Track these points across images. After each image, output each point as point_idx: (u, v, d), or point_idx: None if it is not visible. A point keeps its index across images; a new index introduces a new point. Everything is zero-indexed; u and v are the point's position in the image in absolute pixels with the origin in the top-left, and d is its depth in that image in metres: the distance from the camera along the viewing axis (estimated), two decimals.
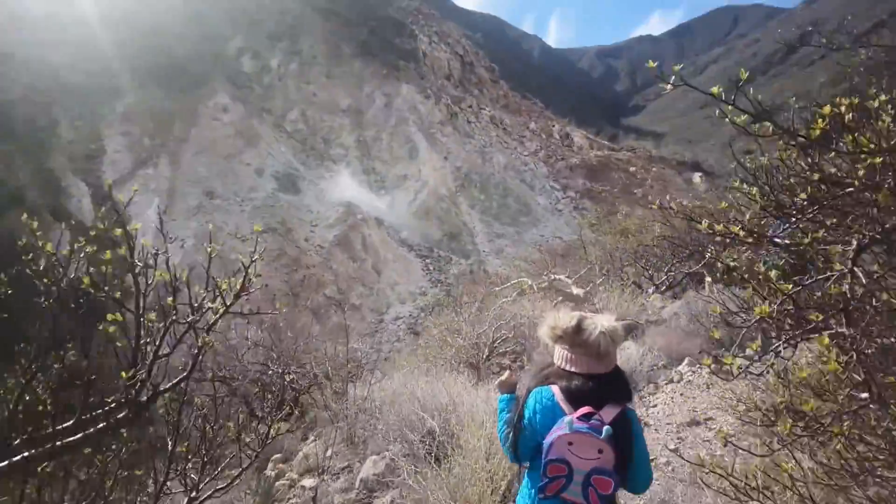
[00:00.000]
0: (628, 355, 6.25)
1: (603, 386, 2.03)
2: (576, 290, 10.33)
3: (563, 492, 1.95)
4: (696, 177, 65.72)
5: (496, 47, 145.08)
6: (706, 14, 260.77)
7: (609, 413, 1.98)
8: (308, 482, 4.86)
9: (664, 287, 10.02)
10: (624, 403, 2.04)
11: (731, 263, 8.15)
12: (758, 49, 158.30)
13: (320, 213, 45.54)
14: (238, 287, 2.46)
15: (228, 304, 2.46)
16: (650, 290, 9.87)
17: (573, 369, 2.07)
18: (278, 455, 6.53)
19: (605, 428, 1.93)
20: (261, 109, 56.81)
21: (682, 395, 5.50)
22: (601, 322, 2.08)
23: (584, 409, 1.97)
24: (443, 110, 67.88)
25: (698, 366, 6.08)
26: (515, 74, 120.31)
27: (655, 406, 5.43)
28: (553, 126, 79.31)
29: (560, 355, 2.14)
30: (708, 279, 10.37)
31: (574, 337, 2.09)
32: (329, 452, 5.39)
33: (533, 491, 2.08)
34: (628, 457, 1.99)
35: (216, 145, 48.08)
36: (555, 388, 2.08)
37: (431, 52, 76.40)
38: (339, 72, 66.46)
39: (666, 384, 5.96)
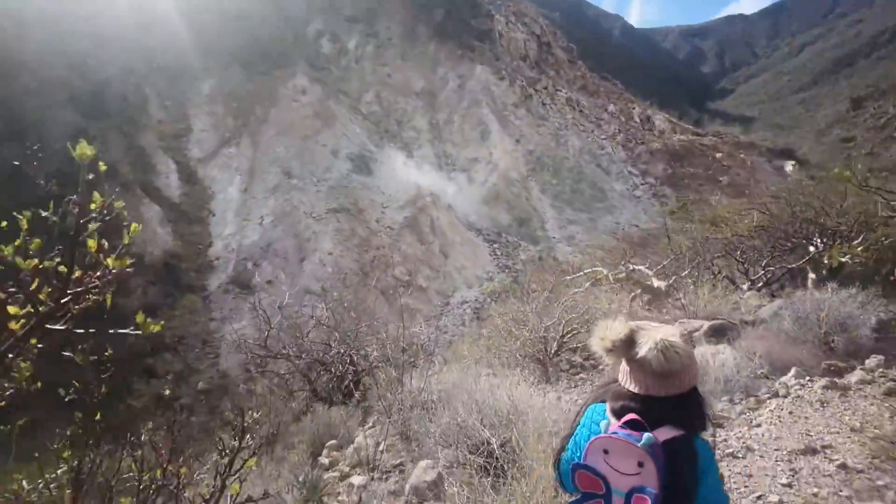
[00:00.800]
0: (723, 360, 5.65)
1: (663, 409, 1.70)
2: (657, 283, 9.68)
3: None
4: (789, 165, 61.59)
5: (575, 27, 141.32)
6: None
7: (664, 433, 1.66)
8: (357, 479, 4.62)
9: (761, 283, 9.23)
10: (689, 430, 1.69)
11: (842, 259, 7.34)
12: (861, 29, 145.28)
13: (391, 195, 45.98)
14: None
15: None
16: (745, 287, 9.13)
17: (632, 388, 1.76)
18: (333, 441, 6.30)
19: (647, 435, 1.62)
20: (337, 91, 57.85)
21: (790, 413, 4.76)
22: (656, 336, 1.72)
23: (630, 416, 1.70)
24: (517, 92, 66.78)
25: (808, 378, 5.41)
26: (594, 55, 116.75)
27: (759, 426, 4.66)
28: (633, 108, 76.40)
29: (621, 370, 1.82)
30: (812, 276, 9.48)
31: (626, 352, 1.76)
32: (382, 446, 5.17)
33: None
34: (686, 494, 1.63)
35: (294, 126, 49.42)
36: (608, 407, 1.82)
37: (507, 32, 75.13)
38: (414, 53, 66.63)
39: (769, 398, 5.23)
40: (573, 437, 1.91)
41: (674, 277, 9.38)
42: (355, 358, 8.63)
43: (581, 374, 7.21)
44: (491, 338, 8.88)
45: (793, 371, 5.54)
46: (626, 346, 1.74)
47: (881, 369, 5.36)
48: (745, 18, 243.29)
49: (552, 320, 7.78)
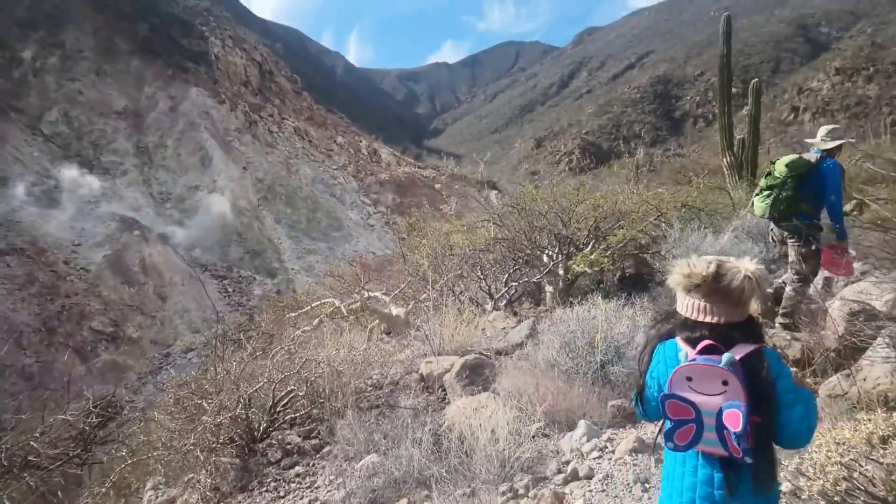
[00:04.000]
0: (493, 423, 3.94)
1: (733, 332, 1.81)
2: (395, 311, 8.48)
3: (697, 442, 1.74)
4: (493, 194, 69.42)
5: (298, 60, 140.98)
6: (492, 47, 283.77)
7: (740, 351, 1.75)
8: None
9: (504, 301, 8.64)
10: (759, 344, 1.81)
11: (580, 268, 6.89)
12: (537, 82, 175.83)
13: (86, 230, 37.87)
14: None
15: None
16: (489, 307, 8.38)
17: (705, 319, 1.84)
18: None
19: (726, 355, 1.72)
20: (7, 108, 46.28)
21: None
22: (745, 266, 1.81)
23: (705, 343, 1.78)
24: (240, 117, 62.47)
25: (606, 438, 4.01)
26: (320, 89, 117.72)
27: None
28: (361, 141, 78.10)
29: (688, 305, 1.89)
30: (549, 289, 9.26)
31: (712, 284, 1.82)
32: None
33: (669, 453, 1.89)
34: (768, 399, 1.73)
35: None
36: (678, 340, 1.91)
37: (225, 56, 70.27)
38: (113, 70, 57.44)
39: (563, 480, 3.60)
40: (649, 373, 2.00)
41: (412, 302, 8.28)
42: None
43: (297, 467, 4.77)
44: (160, 430, 5.63)
45: (581, 427, 4.04)
46: (714, 279, 1.81)
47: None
48: (449, 67, 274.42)
49: (258, 384, 5.30)
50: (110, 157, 49.22)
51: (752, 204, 5.77)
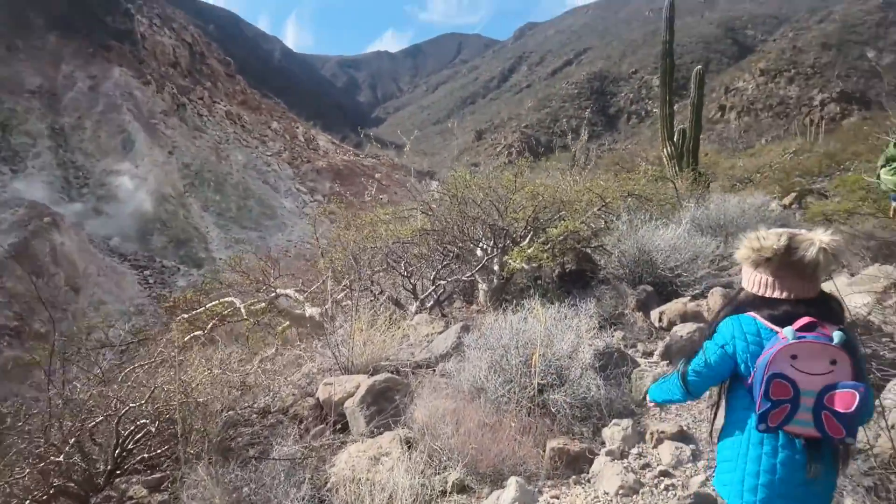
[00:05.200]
0: (392, 486, 2.89)
1: (813, 309, 1.70)
2: (310, 311, 7.21)
3: (787, 423, 1.65)
4: (434, 185, 68.33)
5: (232, 43, 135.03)
6: (435, 38, 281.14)
7: (831, 329, 1.65)
8: None
9: (431, 302, 7.48)
10: (843, 322, 1.73)
11: (516, 264, 5.85)
12: (479, 74, 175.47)
13: None
14: None
15: None
16: (413, 308, 7.17)
17: (777, 295, 1.77)
18: None
19: (837, 333, 1.62)
20: None
21: None
22: (819, 237, 1.70)
23: (805, 320, 1.66)
24: (167, 100, 58.47)
25: (546, 500, 3.03)
26: (255, 73, 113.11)
27: None
28: (297, 128, 75.10)
29: (757, 280, 1.82)
30: (483, 287, 8.17)
31: (784, 258, 1.74)
32: None
33: (749, 426, 1.76)
34: (865, 376, 1.67)
35: None
36: (758, 317, 1.78)
37: (152, 35, 65.73)
38: (27, 46, 52.34)
39: None
40: (726, 352, 1.81)
41: (330, 301, 7.02)
42: None
43: None
44: None
45: (511, 489, 2.90)
46: (786, 252, 1.73)
47: (637, 442, 3.41)
48: (391, 56, 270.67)
49: (98, 418, 3.87)
50: (21, 139, 44.80)
51: (878, 177, 4.83)
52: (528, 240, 7.81)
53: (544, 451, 3.35)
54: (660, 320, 5.27)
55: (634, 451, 3.31)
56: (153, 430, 4.03)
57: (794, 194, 12.57)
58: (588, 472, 3.21)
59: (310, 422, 4.49)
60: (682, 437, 3.33)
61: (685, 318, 5.10)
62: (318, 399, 4.59)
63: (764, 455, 1.72)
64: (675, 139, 13.56)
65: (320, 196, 58.71)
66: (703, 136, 14.13)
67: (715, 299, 5.15)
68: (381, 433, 3.82)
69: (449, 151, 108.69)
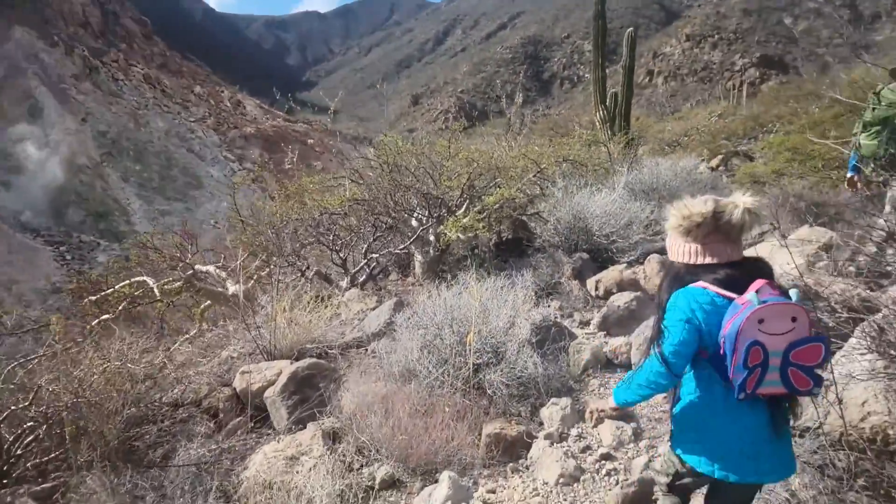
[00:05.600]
0: (310, 492, 2.57)
1: (745, 270, 1.75)
2: (232, 288, 6.67)
3: (758, 387, 1.65)
4: (370, 152, 66.80)
5: (149, 1, 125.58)
6: None
7: (769, 286, 1.69)
8: None
9: (364, 276, 7.08)
10: (773, 279, 1.76)
11: (453, 234, 5.63)
12: (413, 37, 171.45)
13: None
14: None
15: None
16: (344, 284, 6.74)
17: (710, 261, 1.79)
18: None
19: (794, 291, 1.70)
20: None
21: None
22: (742, 200, 1.75)
23: (759, 283, 1.67)
24: (78, 63, 53.83)
25: (482, 494, 2.77)
26: (175, 34, 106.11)
27: None
28: (222, 92, 71.17)
29: (685, 250, 1.83)
30: (419, 258, 7.85)
31: (712, 223, 1.77)
32: None
33: (718, 396, 1.77)
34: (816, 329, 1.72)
35: None
36: (701, 284, 1.78)
37: None
38: None
39: None
40: (693, 325, 1.75)
41: (246, 278, 6.50)
42: None
43: None
44: None
45: (444, 485, 2.67)
46: (714, 217, 1.75)
47: (577, 422, 3.23)
48: (321, 16, 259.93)
49: None
50: None
51: (857, 144, 4.60)
52: (464, 209, 7.53)
53: (480, 437, 3.11)
54: (596, 289, 5.13)
55: (574, 431, 3.13)
56: (41, 433, 3.55)
57: (720, 157, 12.86)
58: (526, 459, 3.01)
59: (226, 415, 4.09)
60: (623, 414, 3.18)
61: (622, 286, 4.97)
62: (234, 390, 4.19)
63: (731, 421, 1.74)
64: (607, 103, 13.50)
65: (249, 164, 56.16)
66: (633, 101, 14.15)
67: (652, 266, 5.05)
68: (302, 428, 3.48)
69: (385, 117, 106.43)
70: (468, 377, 3.52)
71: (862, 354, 2.36)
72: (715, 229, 1.76)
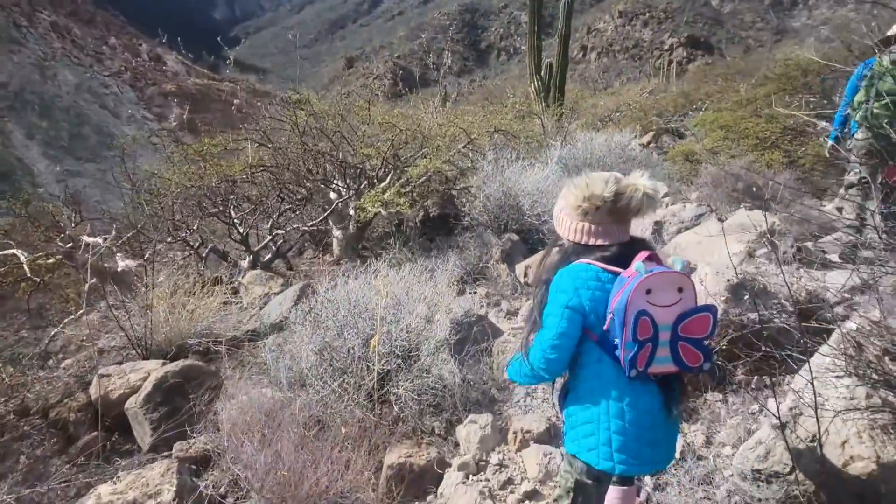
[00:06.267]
0: None
1: (635, 250, 1.65)
2: (123, 263, 5.73)
3: (650, 364, 1.54)
4: (303, 115, 63.94)
5: None
6: None
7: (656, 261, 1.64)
8: None
9: (270, 256, 6.22)
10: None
11: (374, 208, 5.02)
12: None
13: None
14: None
15: None
16: (245, 264, 5.86)
17: (602, 242, 1.69)
18: None
19: (677, 259, 1.61)
20: None
21: None
22: (641, 183, 1.65)
23: (644, 254, 1.59)
24: None
25: None
26: None
27: None
28: (140, 45, 65.68)
29: (581, 229, 1.72)
30: (337, 234, 7.08)
31: (611, 204, 1.67)
32: None
33: (610, 378, 1.62)
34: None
35: None
36: (593, 262, 1.67)
37: None
38: None
39: None
40: (574, 310, 1.63)
41: (149, 251, 5.57)
42: None
43: None
44: None
45: None
46: (613, 199, 1.67)
47: (498, 443, 2.72)
48: None
49: None
50: None
51: (870, 112, 4.26)
52: (388, 181, 6.84)
53: (381, 471, 2.53)
54: (525, 275, 4.63)
55: (494, 458, 2.61)
56: None
57: (651, 133, 12.71)
58: (437, 496, 2.46)
59: (77, 429, 3.32)
60: (551, 435, 2.68)
61: None
62: (89, 398, 3.41)
63: (626, 407, 1.60)
64: (542, 73, 13.00)
65: (170, 123, 52.44)
66: (567, 75, 13.72)
67: None
68: (167, 451, 2.79)
69: (318, 79, 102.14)
70: (372, 388, 2.92)
71: (838, 377, 1.93)
72: (613, 211, 1.68)
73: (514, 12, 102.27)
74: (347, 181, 6.65)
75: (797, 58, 8.87)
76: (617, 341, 1.56)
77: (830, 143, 4.80)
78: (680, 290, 1.52)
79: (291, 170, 6.11)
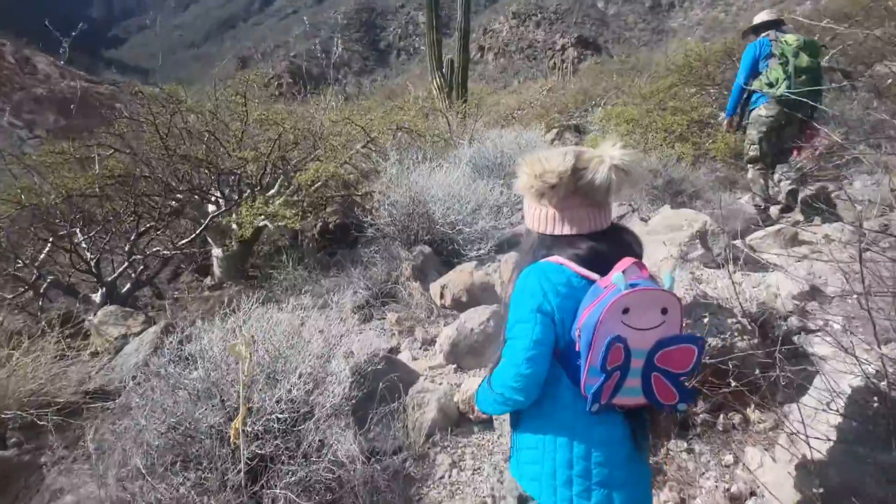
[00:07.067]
0: None
1: (610, 243, 1.35)
2: None
3: (615, 395, 1.26)
4: (193, 118, 60.02)
5: None
6: None
7: (638, 267, 1.29)
8: None
9: (128, 286, 5.05)
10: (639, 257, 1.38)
11: (257, 223, 4.19)
12: None
13: None
14: None
15: None
16: (98, 298, 4.66)
17: (567, 231, 1.35)
18: None
19: (666, 274, 1.31)
20: None
21: None
22: (609, 153, 1.29)
23: (627, 261, 1.25)
24: None
25: None
26: None
27: None
28: (4, 46, 58.71)
29: (540, 216, 1.39)
30: (217, 254, 6.04)
31: (570, 182, 1.31)
32: None
33: (566, 403, 1.32)
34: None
35: None
36: (556, 259, 1.34)
37: None
38: None
39: None
40: (546, 314, 1.29)
41: None
42: None
43: None
44: None
45: None
46: (574, 176, 1.31)
47: None
48: None
49: None
50: None
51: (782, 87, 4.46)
52: (276, 188, 5.90)
53: None
54: (442, 296, 3.92)
55: None
56: None
57: (555, 130, 12.52)
58: None
59: None
60: None
61: (472, 292, 3.81)
62: None
63: (577, 437, 1.31)
64: (444, 70, 12.44)
65: (43, 131, 47.16)
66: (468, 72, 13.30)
67: (508, 268, 3.97)
68: None
69: (210, 80, 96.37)
70: (240, 486, 2.09)
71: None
72: (574, 191, 1.33)
73: (411, 12, 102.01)
74: (225, 191, 5.65)
75: (697, 47, 8.91)
76: (580, 362, 1.26)
77: (727, 118, 5.10)
78: (664, 311, 1.22)
79: (153, 179, 5.01)
